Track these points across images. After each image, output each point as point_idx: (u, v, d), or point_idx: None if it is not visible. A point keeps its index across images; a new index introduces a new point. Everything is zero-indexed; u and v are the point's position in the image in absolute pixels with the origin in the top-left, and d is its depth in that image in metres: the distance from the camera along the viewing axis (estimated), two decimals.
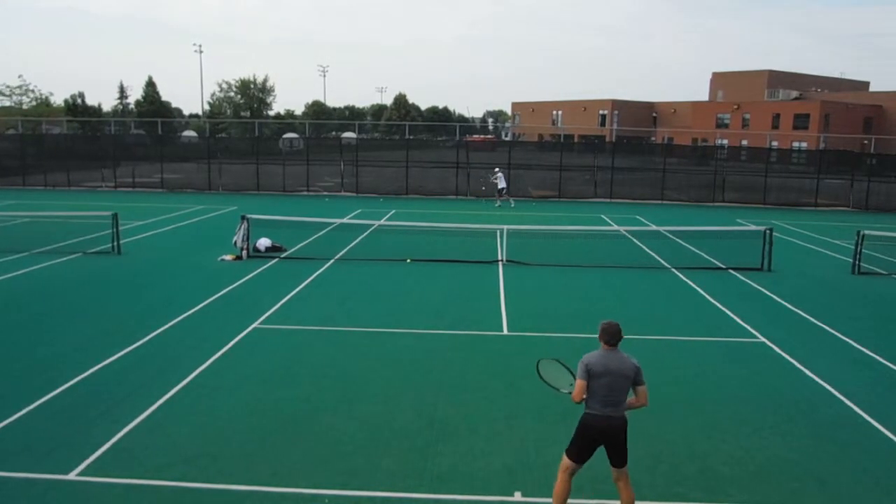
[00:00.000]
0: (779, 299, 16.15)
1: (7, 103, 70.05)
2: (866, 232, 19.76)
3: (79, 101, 76.41)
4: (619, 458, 6.68)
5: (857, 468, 8.15)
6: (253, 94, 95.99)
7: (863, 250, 19.51)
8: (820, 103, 75.84)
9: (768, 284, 17.54)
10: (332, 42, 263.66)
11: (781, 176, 40.30)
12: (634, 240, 23.94)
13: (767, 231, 19.64)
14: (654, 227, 26.28)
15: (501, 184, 34.82)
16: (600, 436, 6.58)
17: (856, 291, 17.38)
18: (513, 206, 34.51)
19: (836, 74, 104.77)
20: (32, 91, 71.57)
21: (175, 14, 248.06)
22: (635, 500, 6.82)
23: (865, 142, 60.09)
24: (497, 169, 35.86)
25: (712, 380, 10.95)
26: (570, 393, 6.61)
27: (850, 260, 20.03)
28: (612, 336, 6.61)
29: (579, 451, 6.67)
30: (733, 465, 8.15)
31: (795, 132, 72.08)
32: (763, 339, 13.00)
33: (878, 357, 12.16)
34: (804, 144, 64.31)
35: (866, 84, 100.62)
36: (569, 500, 6.86)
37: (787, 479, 7.88)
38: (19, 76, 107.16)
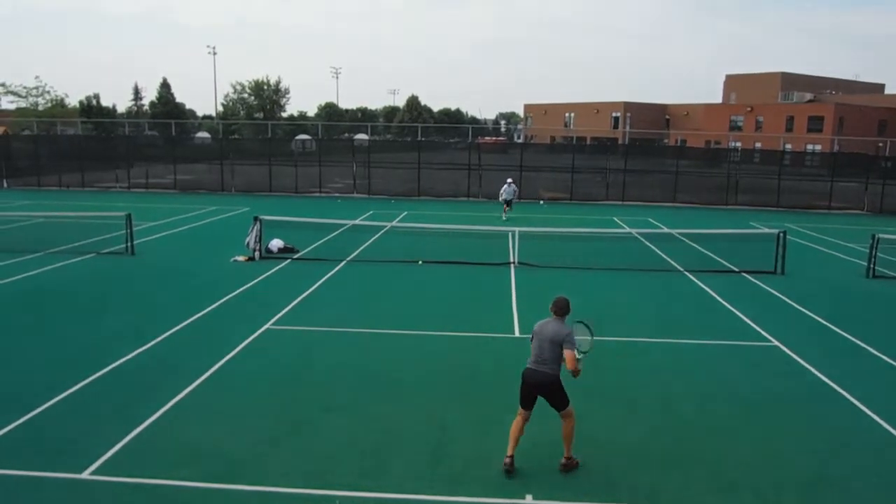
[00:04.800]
0: (792, 303, 16.05)
1: (23, 104, 70.47)
2: (881, 235, 19.61)
3: (93, 102, 76.83)
4: (555, 405, 7.91)
5: (870, 473, 8.08)
6: (266, 96, 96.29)
7: (877, 254, 19.36)
8: (834, 106, 75.43)
9: (782, 288, 17.43)
10: (345, 44, 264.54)
11: (795, 179, 40.04)
12: (646, 242, 23.86)
13: (781, 234, 19.52)
14: (666, 230, 26.18)
15: (508, 195, 30.42)
16: (532, 388, 7.85)
17: (870, 295, 17.25)
18: (504, 219, 29.58)
19: (850, 77, 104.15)
20: (48, 92, 71.88)
21: (190, 16, 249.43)
22: (572, 434, 7.92)
23: (880, 144, 59.58)
24: (510, 180, 31.40)
25: (725, 383, 10.89)
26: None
27: (865, 264, 19.87)
28: (556, 308, 8.02)
29: (521, 400, 7.98)
30: (745, 468, 8.10)
31: (809, 135, 71.69)
32: (776, 343, 12.92)
33: (893, 362, 12.06)
34: (818, 147, 63.91)
35: (881, 86, 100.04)
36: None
37: (797, 482, 7.82)
38: (36, 77, 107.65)
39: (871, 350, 12.68)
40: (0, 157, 41.13)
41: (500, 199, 30.84)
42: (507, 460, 7.84)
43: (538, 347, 7.87)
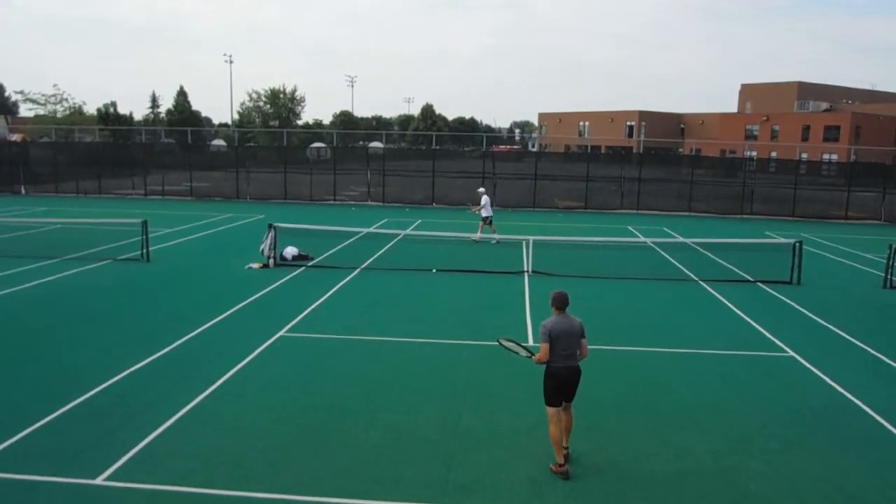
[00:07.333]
0: (808, 313, 15.93)
1: (42, 112, 71.30)
2: None
3: (111, 109, 77.44)
4: (571, 396, 8.25)
5: (886, 485, 8.00)
6: (282, 104, 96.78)
7: (895, 264, 19.18)
8: (851, 115, 74.90)
9: (797, 298, 17.31)
10: (360, 52, 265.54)
11: (811, 188, 39.74)
12: (661, 251, 23.76)
13: (797, 244, 19.38)
14: (681, 239, 26.04)
15: (486, 212, 25.33)
16: (564, 383, 8.10)
17: (887, 306, 17.09)
18: (495, 242, 24.36)
19: (868, 86, 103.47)
20: (66, 100, 72.73)
21: (207, 25, 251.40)
22: (572, 425, 8.34)
23: None
24: (482, 190, 27.07)
25: (740, 394, 10.82)
26: (530, 357, 8.29)
27: (882, 274, 19.69)
28: (563, 302, 8.16)
29: (556, 398, 8.13)
30: (760, 480, 8.03)
31: (825, 144, 71.19)
32: (792, 354, 12.82)
33: None
34: (834, 156, 63.52)
35: None
36: None
37: (815, 495, 7.75)
38: (54, 85, 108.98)
39: (889, 361, 12.55)
40: (19, 163, 41.55)
41: (483, 215, 25.36)
42: (566, 467, 8.01)
43: (568, 345, 8.04)
